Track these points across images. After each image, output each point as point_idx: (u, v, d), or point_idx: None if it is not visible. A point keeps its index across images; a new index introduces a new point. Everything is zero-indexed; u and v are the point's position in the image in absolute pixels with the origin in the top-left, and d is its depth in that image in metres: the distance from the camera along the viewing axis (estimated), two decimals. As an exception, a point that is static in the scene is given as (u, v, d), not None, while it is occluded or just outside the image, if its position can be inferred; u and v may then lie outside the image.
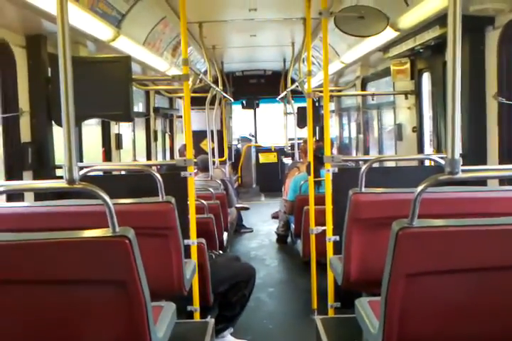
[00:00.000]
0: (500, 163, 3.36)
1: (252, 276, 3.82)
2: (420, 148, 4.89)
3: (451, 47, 1.58)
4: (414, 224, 1.59)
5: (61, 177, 1.69)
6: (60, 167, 3.43)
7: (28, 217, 2.36)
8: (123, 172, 4.27)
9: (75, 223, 2.11)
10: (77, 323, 1.73)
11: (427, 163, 4.48)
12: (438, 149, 4.39)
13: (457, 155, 1.61)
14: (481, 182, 3.18)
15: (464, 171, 1.64)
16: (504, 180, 3.22)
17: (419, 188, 1.61)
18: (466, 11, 3.12)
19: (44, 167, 3.58)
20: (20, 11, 2.93)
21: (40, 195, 3.24)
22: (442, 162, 1.68)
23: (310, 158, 3.91)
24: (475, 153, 3.54)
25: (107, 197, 1.61)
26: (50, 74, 3.53)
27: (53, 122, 3.60)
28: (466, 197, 2.36)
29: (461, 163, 1.64)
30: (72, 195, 2.66)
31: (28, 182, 3.36)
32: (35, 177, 3.50)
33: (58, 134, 3.54)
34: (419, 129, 4.93)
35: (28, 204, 2.83)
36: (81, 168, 2.67)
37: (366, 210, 2.37)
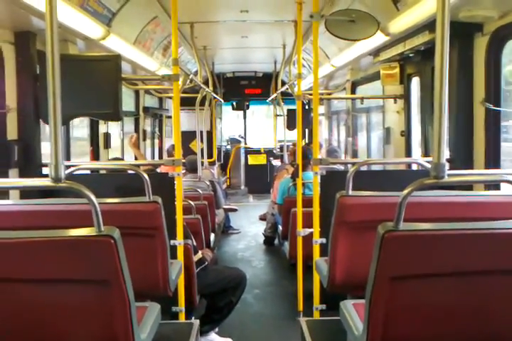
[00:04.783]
0: (486, 168, 3.39)
1: (241, 284, 3.79)
2: (408, 152, 4.92)
3: (439, 52, 1.60)
4: (400, 227, 1.59)
5: (47, 176, 1.67)
6: (46, 165, 3.40)
7: (12, 215, 2.34)
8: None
9: (60, 222, 2.10)
10: (60, 322, 1.72)
11: (414, 167, 4.51)
12: (426, 153, 4.42)
13: (443, 160, 1.62)
14: (468, 187, 3.20)
15: (449, 175, 1.66)
16: (489, 185, 3.25)
17: (405, 192, 1.62)
18: (456, 17, 3.15)
19: (30, 165, 3.54)
20: (9, 7, 2.90)
21: (26, 193, 3.21)
22: (429, 166, 1.69)
23: (298, 160, 3.92)
24: (462, 158, 3.57)
25: (92, 196, 1.60)
26: (38, 72, 3.51)
27: (41, 120, 3.57)
28: (452, 201, 2.37)
29: (448, 168, 1.65)
30: (59, 194, 2.63)
31: (12, 179, 3.33)
32: (22, 176, 3.47)
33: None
34: (407, 133, 4.96)
35: (12, 202, 2.80)
36: (68, 167, 2.65)
37: (353, 213, 2.37)
